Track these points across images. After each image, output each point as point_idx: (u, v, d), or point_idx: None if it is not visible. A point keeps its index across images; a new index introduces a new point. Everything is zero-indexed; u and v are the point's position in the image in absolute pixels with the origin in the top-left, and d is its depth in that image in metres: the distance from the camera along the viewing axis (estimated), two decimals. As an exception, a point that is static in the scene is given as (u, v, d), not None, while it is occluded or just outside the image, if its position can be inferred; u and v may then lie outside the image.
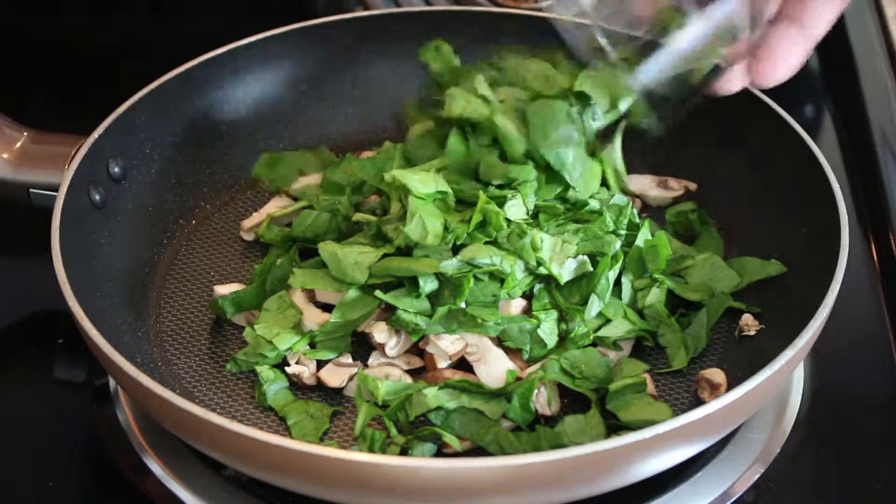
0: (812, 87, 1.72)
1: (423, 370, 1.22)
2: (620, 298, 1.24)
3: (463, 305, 1.19)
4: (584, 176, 1.26)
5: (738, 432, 1.20)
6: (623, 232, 1.25)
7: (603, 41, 1.13)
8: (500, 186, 1.25)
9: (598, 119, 1.27)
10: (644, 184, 1.40)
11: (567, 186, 1.26)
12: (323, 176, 1.38)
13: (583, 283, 1.22)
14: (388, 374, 1.20)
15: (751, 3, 1.06)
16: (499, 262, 1.19)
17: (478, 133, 1.27)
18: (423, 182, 1.21)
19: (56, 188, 1.24)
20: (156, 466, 1.18)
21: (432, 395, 1.14)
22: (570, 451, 0.99)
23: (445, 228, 1.20)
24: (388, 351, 1.21)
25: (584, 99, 1.24)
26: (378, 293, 1.19)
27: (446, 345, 1.19)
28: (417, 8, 1.53)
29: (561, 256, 1.21)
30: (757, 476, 1.18)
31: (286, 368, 1.21)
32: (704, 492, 1.16)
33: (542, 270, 1.20)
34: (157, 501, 1.16)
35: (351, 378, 1.20)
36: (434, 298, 1.19)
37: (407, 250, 1.20)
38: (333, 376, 1.20)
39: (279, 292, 1.24)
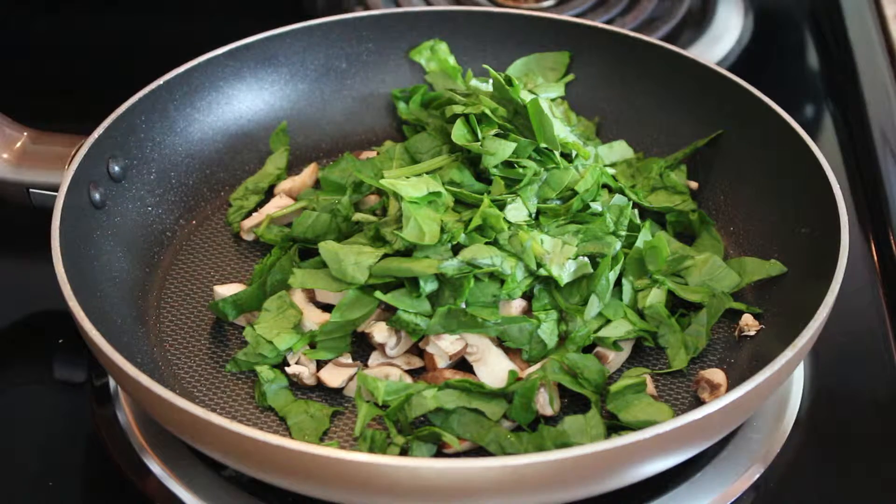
0: (812, 87, 1.72)
1: (423, 370, 1.22)
2: (621, 299, 1.24)
3: (463, 306, 1.19)
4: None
5: (738, 432, 1.20)
6: (623, 233, 1.25)
7: None
8: (503, 178, 1.25)
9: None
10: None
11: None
12: (322, 175, 1.38)
13: (583, 284, 1.22)
14: (388, 374, 1.20)
15: None
16: (499, 262, 1.19)
17: (483, 125, 1.28)
18: (415, 186, 1.22)
19: (56, 188, 1.24)
20: (156, 466, 1.18)
21: (431, 397, 1.14)
22: (570, 452, 0.99)
23: (442, 229, 1.20)
24: (388, 351, 1.21)
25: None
26: (378, 294, 1.19)
27: (446, 345, 1.19)
28: (417, 8, 1.53)
29: (561, 258, 1.21)
30: (757, 476, 1.18)
31: (286, 368, 1.21)
32: (704, 492, 1.16)
33: (542, 272, 1.20)
34: (157, 501, 1.16)
35: (351, 378, 1.20)
36: (434, 299, 1.19)
37: (407, 251, 1.20)
38: (333, 376, 1.20)
39: (279, 292, 1.24)
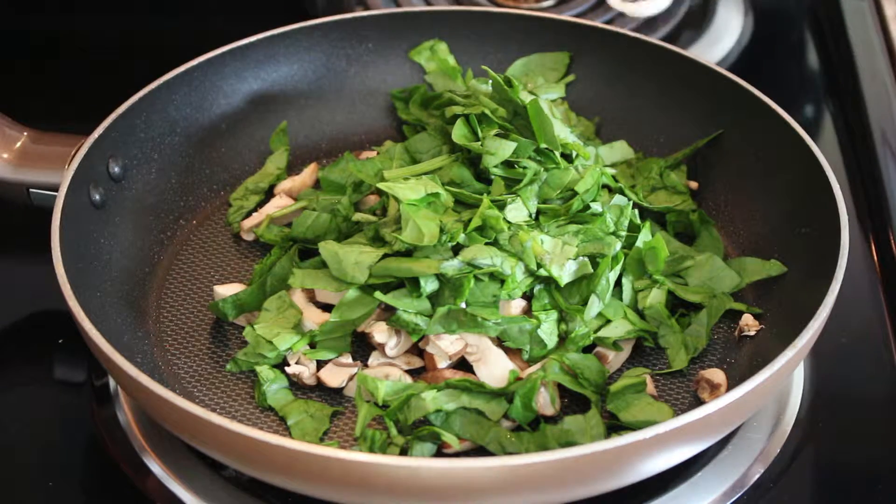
0: (812, 87, 1.72)
1: (423, 370, 1.22)
2: (621, 299, 1.24)
3: (463, 305, 1.18)
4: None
5: (738, 432, 1.20)
6: (623, 233, 1.25)
7: None
8: (503, 178, 1.25)
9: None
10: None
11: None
12: (322, 175, 1.38)
13: (583, 284, 1.22)
14: (388, 374, 1.20)
15: None
16: (499, 262, 1.19)
17: (483, 125, 1.28)
18: (413, 188, 1.22)
19: (56, 188, 1.24)
20: (156, 466, 1.18)
21: (430, 399, 1.14)
22: (571, 451, 0.99)
23: (441, 230, 1.20)
24: (388, 351, 1.21)
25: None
26: (378, 294, 1.19)
27: (446, 345, 1.19)
28: (417, 8, 1.53)
29: (561, 258, 1.21)
30: (757, 476, 1.18)
31: (286, 368, 1.21)
32: (704, 492, 1.16)
33: (542, 272, 1.20)
34: (157, 501, 1.16)
35: (351, 378, 1.20)
36: (434, 299, 1.19)
37: (407, 251, 1.20)
38: (333, 376, 1.20)
39: (279, 292, 1.24)
